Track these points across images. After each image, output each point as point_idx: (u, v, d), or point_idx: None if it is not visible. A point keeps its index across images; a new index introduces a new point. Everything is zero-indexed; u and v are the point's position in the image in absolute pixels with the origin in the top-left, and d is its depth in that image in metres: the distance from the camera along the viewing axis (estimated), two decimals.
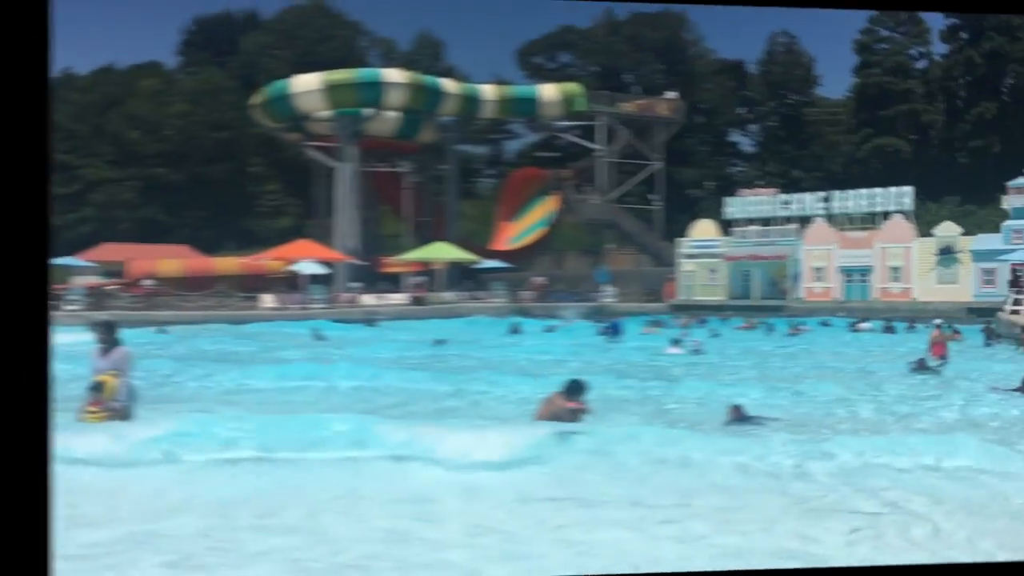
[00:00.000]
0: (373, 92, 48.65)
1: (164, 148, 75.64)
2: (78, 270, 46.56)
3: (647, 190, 64.88)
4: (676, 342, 26.64)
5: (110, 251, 54.72)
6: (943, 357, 21.32)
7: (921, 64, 72.32)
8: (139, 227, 74.64)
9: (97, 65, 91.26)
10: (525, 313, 43.00)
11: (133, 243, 60.46)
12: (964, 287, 44.34)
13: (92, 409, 10.19)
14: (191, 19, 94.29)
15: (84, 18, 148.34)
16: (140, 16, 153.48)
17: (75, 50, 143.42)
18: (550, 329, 35.45)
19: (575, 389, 11.21)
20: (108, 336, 10.63)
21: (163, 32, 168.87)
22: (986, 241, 44.66)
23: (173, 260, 51.46)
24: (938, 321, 25.81)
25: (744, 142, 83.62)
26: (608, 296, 49.56)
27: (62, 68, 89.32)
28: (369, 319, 37.12)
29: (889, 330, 34.03)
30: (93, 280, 45.83)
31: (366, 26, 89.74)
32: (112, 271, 50.16)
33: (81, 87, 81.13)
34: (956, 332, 27.82)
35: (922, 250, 46.02)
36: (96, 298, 39.37)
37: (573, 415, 10.89)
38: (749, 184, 64.19)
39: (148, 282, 42.25)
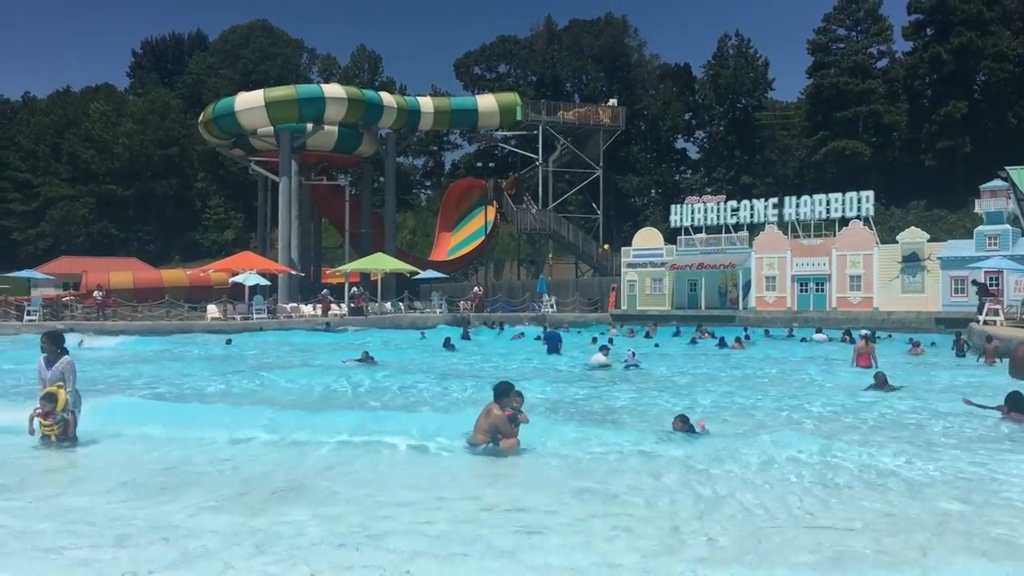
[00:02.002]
0: (314, 107, 51.91)
1: (116, 166, 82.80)
2: (37, 282, 53.12)
3: (589, 199, 68.82)
4: (604, 349, 24.58)
5: (67, 264, 62.31)
6: (870, 367, 21.94)
7: (882, 63, 73.94)
8: (93, 241, 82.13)
9: (55, 88, 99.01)
10: (464, 323, 45.23)
11: (88, 256, 68.06)
12: (932, 296, 43.97)
13: (46, 423, 10.98)
14: (141, 42, 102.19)
15: (43, 43, 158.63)
16: (95, 39, 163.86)
17: (35, 74, 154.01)
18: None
19: (504, 392, 11.36)
20: (53, 347, 11.17)
21: (115, 54, 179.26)
22: (957, 248, 44.27)
23: (124, 272, 57.33)
24: (864, 332, 26.66)
25: (691, 148, 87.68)
26: (548, 306, 52.33)
27: (23, 92, 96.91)
28: (330, 327, 39.84)
29: (849, 340, 32.35)
30: (51, 292, 52.29)
31: (307, 43, 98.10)
32: (69, 283, 57.21)
33: (41, 109, 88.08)
34: (917, 345, 29.06)
35: (884, 257, 45.79)
36: (54, 309, 44.00)
37: (512, 422, 11.16)
38: (696, 191, 66.38)
39: (99, 293, 45.14)
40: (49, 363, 11.15)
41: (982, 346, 26.24)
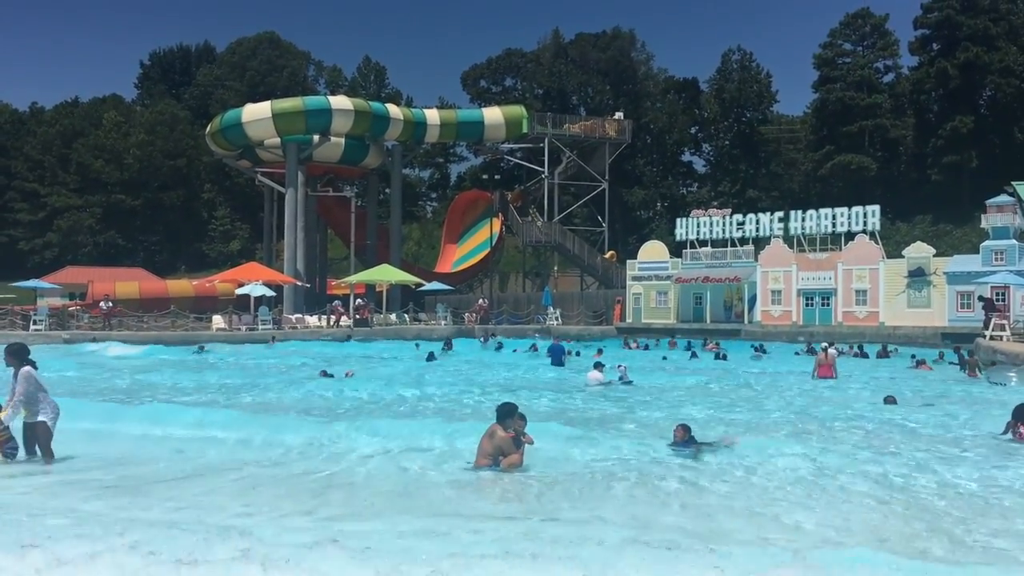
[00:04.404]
0: (320, 119, 52.13)
1: (124, 176, 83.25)
2: (44, 292, 53.36)
3: (594, 212, 68.77)
4: (599, 366, 24.17)
5: (73, 274, 62.57)
6: (832, 378, 22.71)
7: (888, 78, 74.69)
8: (99, 251, 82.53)
9: (62, 99, 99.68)
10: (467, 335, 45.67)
11: (94, 266, 68.38)
12: (938, 311, 43.74)
13: None
14: (148, 53, 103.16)
15: (51, 53, 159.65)
16: (102, 50, 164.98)
17: (42, 84, 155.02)
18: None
19: (507, 414, 11.09)
20: (14, 359, 11.07)
21: (123, 65, 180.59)
22: (963, 263, 44.06)
23: (130, 282, 57.57)
24: (824, 344, 26.95)
25: (697, 162, 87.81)
26: (553, 318, 52.18)
27: (30, 102, 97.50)
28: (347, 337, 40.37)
29: (860, 355, 33.39)
30: (57, 301, 52.48)
31: (314, 55, 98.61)
32: (75, 292, 57.47)
33: (47, 120, 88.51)
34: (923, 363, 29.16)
35: (890, 272, 45.56)
36: (60, 318, 43.89)
37: (517, 444, 10.98)
38: (702, 204, 65.37)
39: (105, 303, 44.89)
40: (15, 376, 11.01)
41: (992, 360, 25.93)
